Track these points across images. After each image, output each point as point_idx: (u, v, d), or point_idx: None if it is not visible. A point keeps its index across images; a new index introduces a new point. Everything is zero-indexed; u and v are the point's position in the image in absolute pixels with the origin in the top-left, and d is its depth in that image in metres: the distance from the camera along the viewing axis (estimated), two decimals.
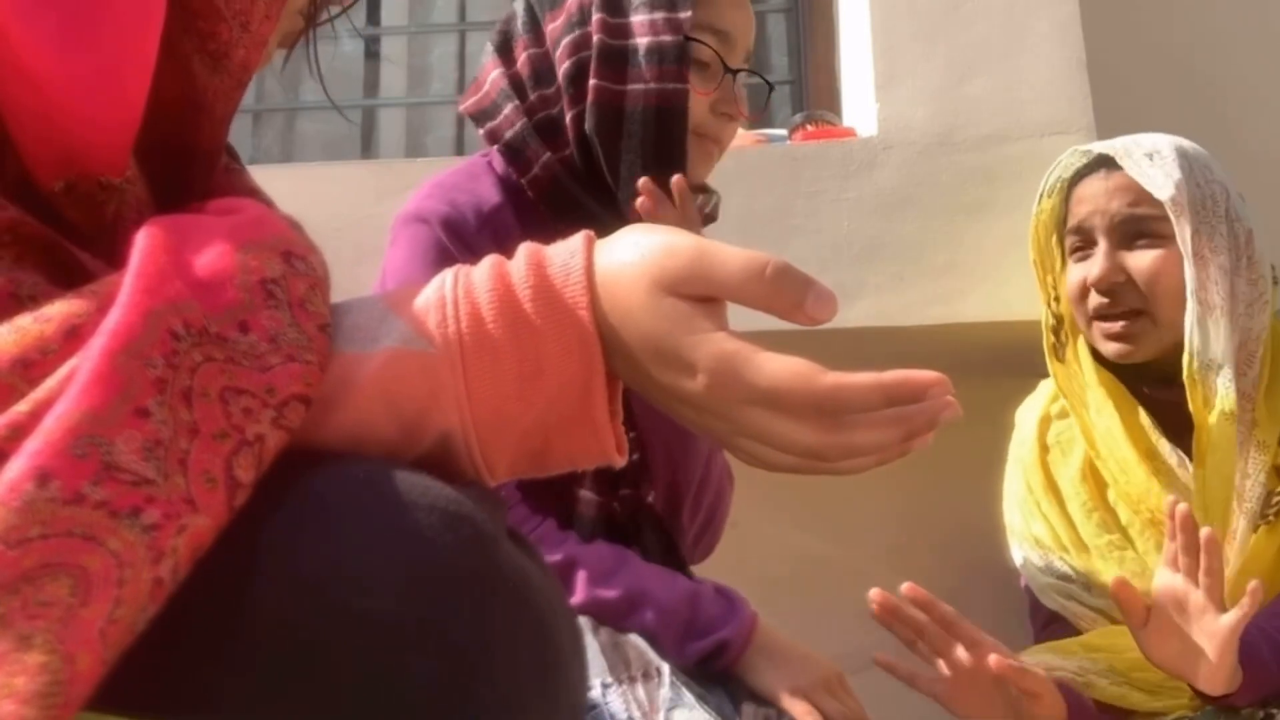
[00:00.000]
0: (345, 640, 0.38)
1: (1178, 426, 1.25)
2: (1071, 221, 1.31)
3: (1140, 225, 1.25)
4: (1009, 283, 1.61)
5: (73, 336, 0.40)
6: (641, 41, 1.06)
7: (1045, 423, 1.38)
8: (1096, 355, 1.31)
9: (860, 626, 1.70)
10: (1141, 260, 1.24)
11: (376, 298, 0.49)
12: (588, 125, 1.06)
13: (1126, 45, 1.82)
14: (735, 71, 1.11)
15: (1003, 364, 1.69)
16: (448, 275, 0.49)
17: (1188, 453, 1.24)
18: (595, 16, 1.07)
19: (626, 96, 1.05)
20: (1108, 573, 1.24)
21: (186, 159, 0.58)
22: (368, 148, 2.32)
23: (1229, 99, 1.80)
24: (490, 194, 1.08)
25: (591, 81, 1.06)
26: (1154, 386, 1.28)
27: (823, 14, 2.05)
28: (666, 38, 1.05)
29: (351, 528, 0.40)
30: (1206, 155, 1.28)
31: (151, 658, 0.38)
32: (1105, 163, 1.29)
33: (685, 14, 1.06)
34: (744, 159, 1.67)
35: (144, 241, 0.43)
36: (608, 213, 1.07)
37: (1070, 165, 1.33)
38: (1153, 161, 1.25)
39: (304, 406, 0.43)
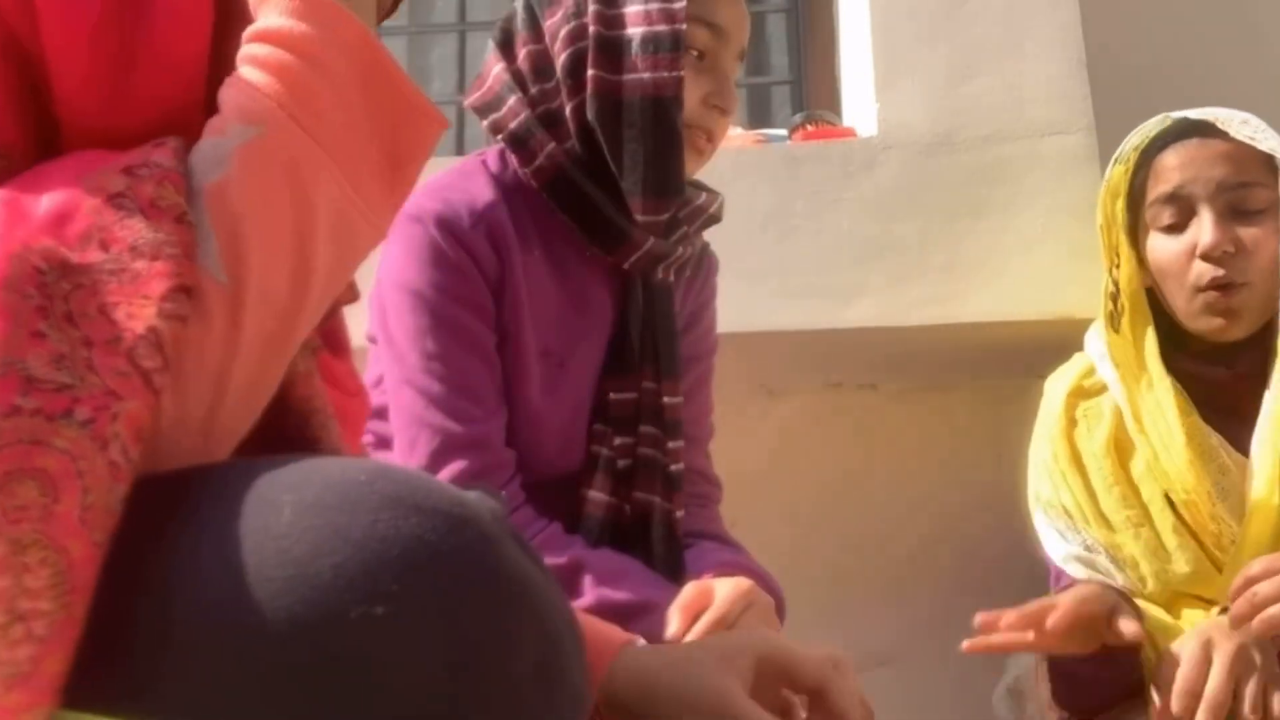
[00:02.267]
0: (347, 643, 0.38)
1: (1217, 404, 1.25)
2: (1161, 189, 1.27)
3: (1244, 194, 1.23)
4: (1009, 283, 1.61)
5: None
6: (636, 31, 1.06)
7: (1075, 396, 1.35)
8: (1159, 330, 1.28)
9: (861, 627, 1.71)
10: (1249, 232, 1.22)
11: (203, 138, 0.53)
12: (589, 114, 1.07)
13: (1126, 45, 1.82)
14: (733, 66, 1.12)
15: (1003, 364, 1.69)
16: (240, 65, 0.53)
17: (1227, 433, 1.23)
18: (591, 8, 1.08)
19: (624, 87, 1.06)
20: (1127, 547, 1.25)
21: None
22: None
23: (1229, 99, 1.80)
24: (484, 192, 1.08)
25: (590, 72, 1.06)
26: (1196, 362, 1.27)
27: (823, 14, 2.05)
28: (662, 27, 1.06)
29: (353, 529, 0.40)
30: None
31: (147, 656, 0.38)
32: (1197, 129, 1.26)
33: (680, 4, 1.06)
34: (744, 159, 1.67)
35: None
36: (611, 202, 1.08)
37: (1152, 131, 1.30)
38: (1250, 126, 1.24)
39: (185, 294, 0.46)
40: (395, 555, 0.40)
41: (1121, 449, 1.29)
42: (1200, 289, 1.24)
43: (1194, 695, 1.04)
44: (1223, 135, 1.24)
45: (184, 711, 0.38)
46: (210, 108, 0.54)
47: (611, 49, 1.07)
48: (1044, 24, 1.68)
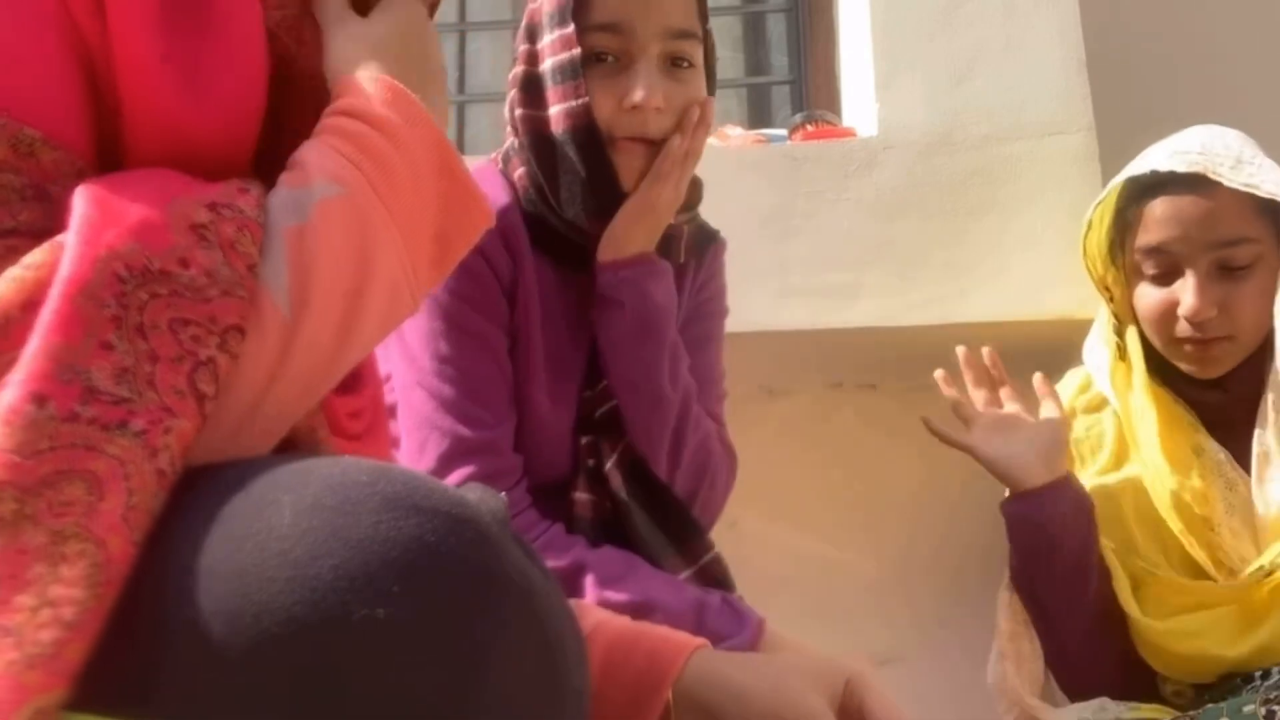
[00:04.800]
0: (348, 643, 0.38)
1: (1220, 427, 1.26)
2: (1148, 240, 1.25)
3: (1231, 252, 1.21)
4: (1009, 283, 1.61)
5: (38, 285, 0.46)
6: (549, 65, 1.06)
7: (1071, 417, 1.36)
8: (1146, 356, 1.29)
9: (861, 627, 1.71)
10: (1235, 294, 1.22)
11: (280, 185, 0.57)
12: (526, 155, 1.08)
13: (1126, 45, 1.82)
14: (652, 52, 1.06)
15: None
16: (321, 131, 0.59)
17: (1232, 451, 1.24)
18: (521, 47, 1.09)
19: (549, 122, 1.06)
20: (1130, 560, 1.26)
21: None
22: None
23: (1229, 99, 1.80)
24: (499, 196, 1.08)
25: (517, 111, 1.08)
26: (1193, 385, 1.28)
27: (823, 14, 2.05)
28: (562, 55, 1.05)
29: (354, 531, 0.40)
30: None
31: (149, 657, 0.38)
32: (1188, 182, 1.22)
33: (568, 28, 1.04)
34: (744, 159, 1.67)
35: (80, 198, 0.48)
36: (571, 231, 1.08)
37: (1141, 180, 1.27)
38: (1244, 167, 1.20)
39: (240, 335, 0.48)
40: (396, 557, 0.40)
41: (1122, 465, 1.30)
42: (1179, 340, 1.25)
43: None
44: (1215, 186, 1.20)
45: (185, 713, 0.38)
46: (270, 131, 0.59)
47: (533, 86, 1.07)
48: (1044, 24, 1.68)
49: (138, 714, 0.38)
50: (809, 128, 1.79)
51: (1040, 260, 1.60)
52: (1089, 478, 1.32)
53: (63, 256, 0.45)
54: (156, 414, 0.44)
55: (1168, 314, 1.25)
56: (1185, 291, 1.22)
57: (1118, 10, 1.82)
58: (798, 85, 2.13)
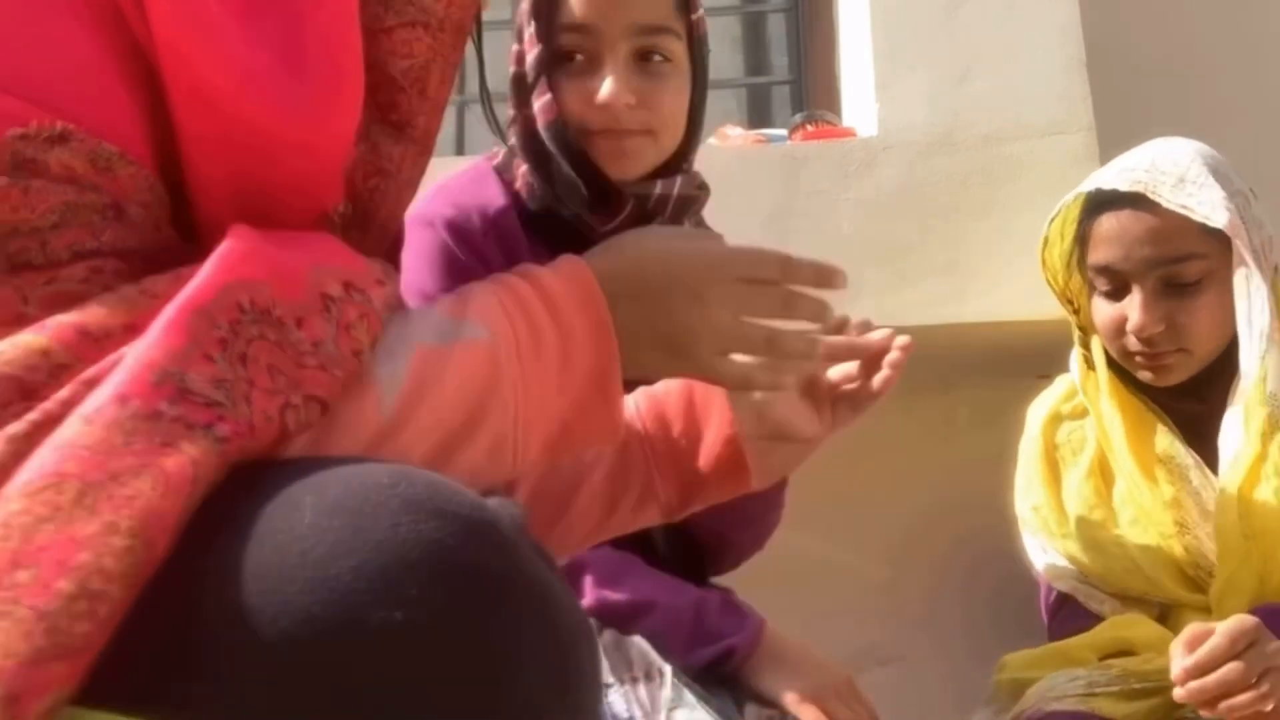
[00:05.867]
0: (365, 645, 0.38)
1: (1193, 432, 1.26)
2: (1097, 259, 1.27)
3: (1176, 269, 1.21)
4: (1009, 283, 1.61)
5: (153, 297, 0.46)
6: (528, 63, 1.08)
7: (1054, 421, 1.37)
8: (1114, 366, 1.30)
9: (860, 627, 1.71)
10: (1182, 311, 1.22)
11: (433, 307, 0.58)
12: (523, 153, 1.10)
13: (1126, 45, 1.82)
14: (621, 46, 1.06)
15: (1003, 364, 1.70)
16: (493, 280, 0.60)
17: (1204, 459, 1.24)
18: (512, 48, 1.11)
19: (535, 120, 1.08)
20: (1109, 568, 1.26)
21: (364, 223, 0.62)
22: None
23: (1228, 99, 1.80)
24: (495, 197, 1.09)
25: (510, 111, 1.11)
26: (1172, 395, 1.28)
27: (823, 14, 2.05)
28: (531, 54, 1.08)
29: (373, 533, 0.40)
30: (1223, 159, 1.26)
31: (169, 655, 0.38)
32: (1131, 199, 1.23)
33: (531, 27, 1.07)
34: (744, 159, 1.67)
35: (232, 233, 0.48)
36: (579, 224, 1.08)
37: (1088, 196, 1.28)
38: (1187, 187, 1.20)
39: (320, 408, 0.48)
40: (416, 560, 0.40)
41: (1105, 472, 1.31)
42: (1131, 353, 1.26)
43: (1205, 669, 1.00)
44: (1156, 205, 1.20)
45: (204, 712, 0.38)
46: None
47: (520, 86, 1.10)
48: (1044, 24, 1.68)
49: (157, 712, 0.38)
50: (809, 128, 1.79)
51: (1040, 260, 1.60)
52: (1071, 481, 1.32)
53: (189, 282, 0.45)
54: (243, 427, 0.43)
55: (1119, 328, 1.26)
56: (1132, 309, 1.23)
57: (1118, 10, 1.83)
58: (798, 85, 2.13)
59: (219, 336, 0.44)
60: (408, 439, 0.52)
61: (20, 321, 0.44)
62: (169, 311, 0.44)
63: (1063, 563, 1.31)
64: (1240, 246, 1.19)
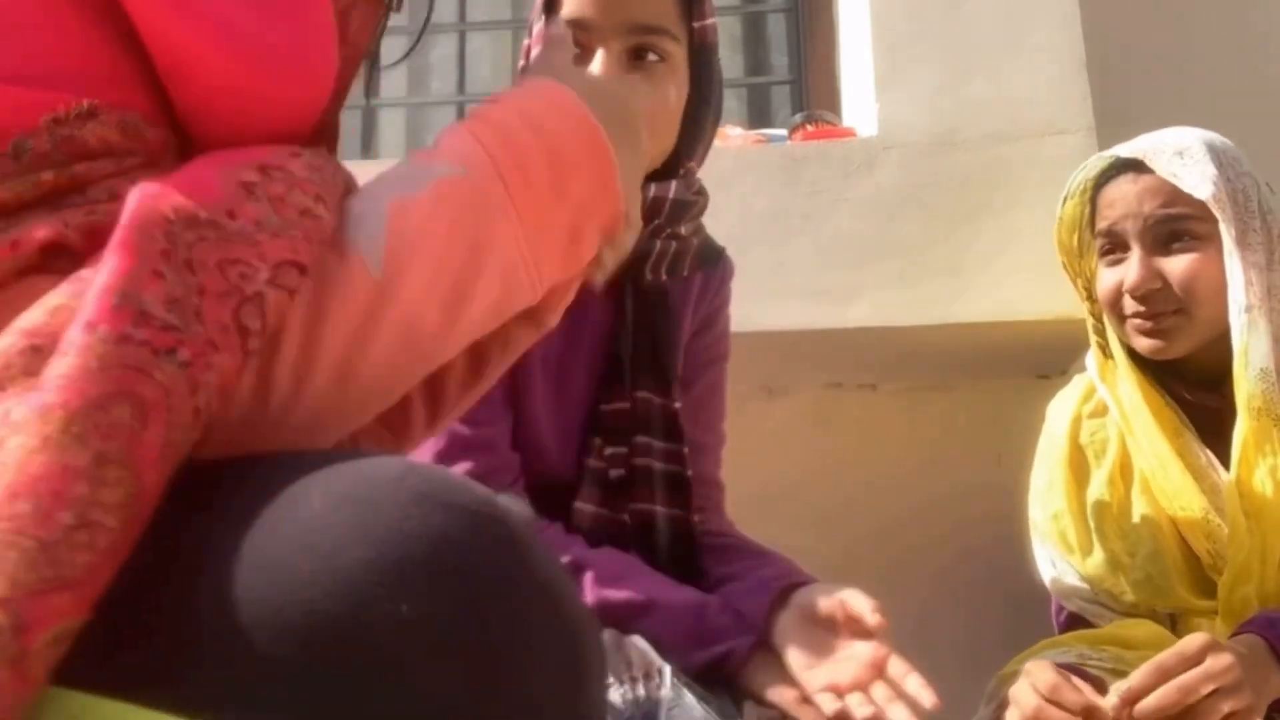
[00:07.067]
0: (372, 639, 0.38)
1: (1211, 429, 1.25)
2: (1101, 224, 1.29)
3: (1174, 226, 1.23)
4: (1009, 283, 1.61)
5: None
6: (533, 57, 1.09)
7: (1077, 423, 1.36)
8: (1133, 355, 1.30)
9: None
10: (1177, 264, 1.23)
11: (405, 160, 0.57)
12: None
13: (1126, 45, 1.82)
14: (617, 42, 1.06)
15: (1003, 364, 1.70)
16: (464, 121, 0.58)
17: (1219, 455, 1.24)
18: (524, 43, 1.14)
19: None
20: (1120, 585, 1.25)
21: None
22: (368, 148, 2.32)
23: (1228, 99, 1.80)
24: None
25: None
26: (1192, 389, 1.28)
27: (823, 14, 2.05)
28: (536, 48, 1.09)
29: (381, 525, 0.40)
30: (1233, 148, 1.27)
31: (171, 643, 0.38)
32: (1133, 165, 1.27)
33: (540, 22, 1.08)
34: (744, 159, 1.67)
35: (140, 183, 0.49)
36: None
37: (1094, 168, 1.32)
38: (1184, 160, 1.23)
39: (297, 271, 0.48)
40: (422, 553, 0.39)
41: (1128, 477, 1.30)
42: (1129, 317, 1.26)
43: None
44: (1150, 172, 1.24)
45: (205, 700, 0.38)
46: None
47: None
48: (1044, 24, 1.68)
49: (161, 701, 0.37)
50: (809, 128, 1.80)
51: (1040, 260, 1.60)
52: (1096, 484, 1.31)
53: (121, 214, 0.46)
54: (201, 347, 0.43)
55: (1116, 293, 1.27)
56: (1129, 267, 1.25)
57: (1118, 10, 1.83)
58: (798, 85, 2.13)
59: (160, 249, 0.44)
60: (415, 297, 0.52)
61: (61, 241, 0.47)
62: (115, 235, 0.44)
63: (1072, 579, 1.30)
64: (1224, 225, 1.20)
